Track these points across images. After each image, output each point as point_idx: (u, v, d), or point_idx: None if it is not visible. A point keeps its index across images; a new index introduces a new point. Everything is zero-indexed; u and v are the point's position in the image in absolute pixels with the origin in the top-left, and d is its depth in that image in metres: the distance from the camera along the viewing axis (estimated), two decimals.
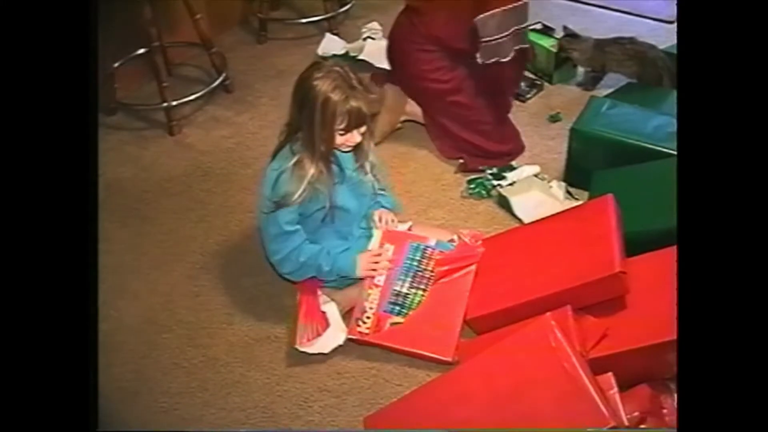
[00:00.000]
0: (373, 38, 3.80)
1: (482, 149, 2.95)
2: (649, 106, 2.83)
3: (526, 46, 2.92)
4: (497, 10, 2.71)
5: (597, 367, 1.85)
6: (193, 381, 2.25)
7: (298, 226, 2.24)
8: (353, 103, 2.08)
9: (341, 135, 2.14)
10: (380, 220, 2.40)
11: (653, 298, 2.03)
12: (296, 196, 2.16)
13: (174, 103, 3.28)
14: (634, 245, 2.16)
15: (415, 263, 2.33)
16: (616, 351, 1.95)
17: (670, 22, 3.84)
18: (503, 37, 2.76)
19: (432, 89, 2.94)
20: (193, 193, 2.98)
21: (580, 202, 2.64)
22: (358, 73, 2.17)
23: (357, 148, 2.27)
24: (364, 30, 3.88)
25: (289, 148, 2.21)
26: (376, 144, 2.87)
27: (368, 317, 2.26)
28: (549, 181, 2.81)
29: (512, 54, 2.81)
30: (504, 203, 2.76)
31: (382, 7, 4.16)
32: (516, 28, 2.78)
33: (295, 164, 2.17)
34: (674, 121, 2.64)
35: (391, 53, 3.08)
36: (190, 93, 3.38)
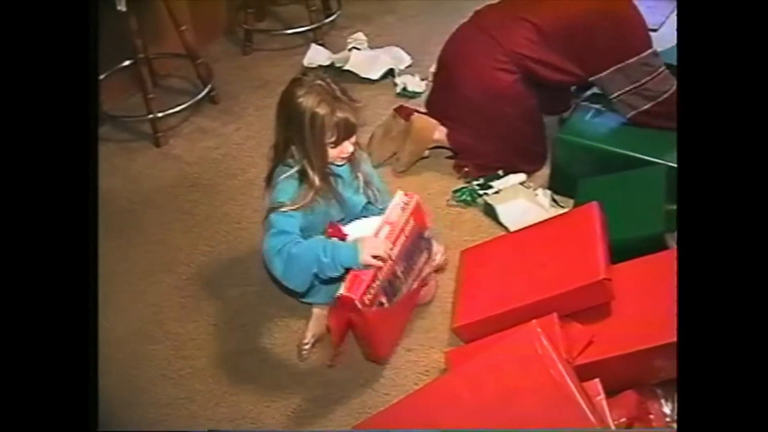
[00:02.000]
0: (358, 48, 3.81)
1: (512, 165, 2.91)
2: None
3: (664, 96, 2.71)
4: (626, 62, 2.66)
5: (583, 373, 1.86)
6: (181, 392, 2.24)
7: (297, 235, 2.14)
8: (340, 115, 2.09)
9: (333, 148, 2.14)
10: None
11: (639, 304, 2.04)
12: (298, 204, 2.14)
13: (160, 114, 3.29)
14: (619, 252, 2.18)
15: (413, 249, 2.24)
16: (603, 357, 1.96)
17: (654, 30, 3.86)
18: (637, 87, 2.69)
19: (502, 113, 2.81)
20: (180, 204, 2.98)
21: (565, 210, 2.65)
22: (340, 84, 2.17)
23: (350, 159, 2.27)
24: (349, 40, 3.89)
25: (281, 169, 2.21)
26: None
27: (373, 288, 2.10)
28: (535, 189, 2.81)
29: (637, 111, 2.72)
30: (490, 211, 2.77)
31: (368, 17, 4.19)
32: (649, 77, 2.68)
33: (299, 172, 2.17)
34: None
35: (455, 68, 2.90)
36: (176, 104, 3.38)
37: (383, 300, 2.15)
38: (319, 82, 2.12)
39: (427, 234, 2.31)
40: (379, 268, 2.10)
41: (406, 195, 2.22)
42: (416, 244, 2.24)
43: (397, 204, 2.19)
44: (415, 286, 2.28)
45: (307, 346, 2.30)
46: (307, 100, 2.08)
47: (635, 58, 2.65)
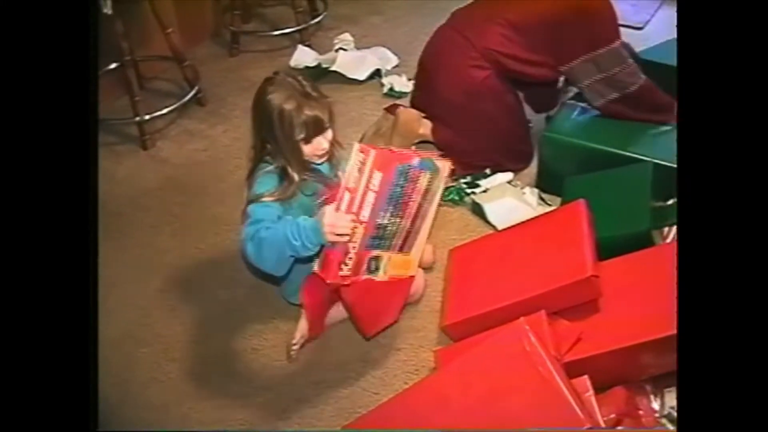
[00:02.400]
0: (345, 49, 3.82)
1: (498, 163, 2.94)
2: None
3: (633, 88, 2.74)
4: (595, 53, 2.67)
5: (572, 370, 1.87)
6: (171, 395, 2.24)
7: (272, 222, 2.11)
8: (308, 112, 2.08)
9: (305, 144, 2.13)
10: None
11: (626, 300, 2.05)
12: (277, 196, 2.13)
13: (147, 117, 3.28)
14: (606, 249, 2.19)
15: (399, 189, 2.13)
16: (591, 354, 1.96)
17: (639, 29, 3.88)
18: (606, 76, 2.71)
19: (480, 110, 2.84)
20: (168, 207, 2.98)
21: (553, 208, 2.66)
22: (311, 81, 2.16)
23: (329, 158, 2.26)
24: (336, 41, 3.90)
25: (261, 165, 2.20)
26: None
27: (350, 258, 2.09)
28: (522, 188, 2.83)
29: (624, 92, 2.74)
30: (478, 210, 2.78)
31: (354, 18, 4.20)
32: (619, 68, 2.69)
33: (279, 168, 2.16)
34: (647, 126, 2.70)
35: (433, 69, 2.95)
36: (163, 107, 3.38)
37: (377, 253, 2.15)
38: (289, 79, 2.12)
39: (415, 162, 2.15)
40: (351, 239, 2.06)
41: (361, 151, 2.07)
42: (402, 179, 2.13)
43: (353, 166, 2.06)
44: (428, 208, 2.25)
45: (295, 347, 2.30)
46: (275, 98, 2.08)
47: (605, 49, 2.67)
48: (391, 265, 2.21)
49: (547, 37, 2.71)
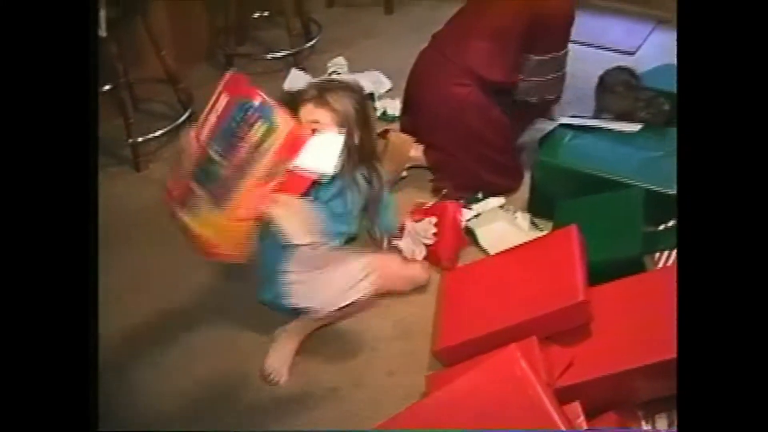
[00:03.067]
0: (338, 73, 3.84)
1: (489, 183, 2.97)
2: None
3: (552, 97, 2.99)
4: (542, 57, 2.83)
5: (563, 396, 1.87)
6: (162, 416, 2.23)
7: None
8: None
9: None
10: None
11: (618, 325, 2.05)
12: None
13: (140, 139, 3.28)
14: (598, 274, 2.19)
15: (234, 125, 1.90)
16: (583, 379, 1.96)
17: (631, 53, 3.90)
18: (540, 80, 2.87)
19: (465, 126, 2.89)
20: (161, 229, 2.95)
21: (544, 233, 2.66)
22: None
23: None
24: (329, 65, 3.92)
25: None
26: None
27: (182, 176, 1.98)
28: (514, 212, 2.83)
29: (544, 98, 2.94)
30: (470, 234, 2.78)
31: (348, 42, 4.20)
32: (554, 75, 2.89)
33: None
34: (639, 152, 2.71)
35: (418, 91, 3.04)
36: (157, 129, 3.38)
37: (199, 193, 1.96)
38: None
39: (256, 103, 1.89)
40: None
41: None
42: (239, 115, 1.89)
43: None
44: (253, 165, 1.91)
45: (273, 379, 2.31)
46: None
47: (552, 55, 2.84)
48: (204, 219, 1.97)
49: (518, 43, 2.82)
